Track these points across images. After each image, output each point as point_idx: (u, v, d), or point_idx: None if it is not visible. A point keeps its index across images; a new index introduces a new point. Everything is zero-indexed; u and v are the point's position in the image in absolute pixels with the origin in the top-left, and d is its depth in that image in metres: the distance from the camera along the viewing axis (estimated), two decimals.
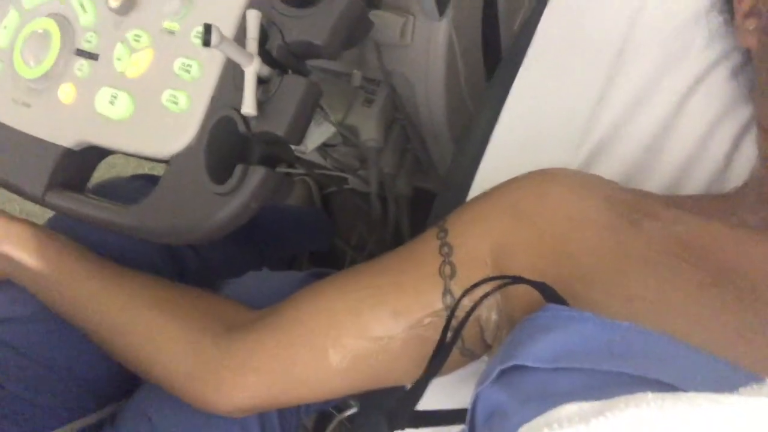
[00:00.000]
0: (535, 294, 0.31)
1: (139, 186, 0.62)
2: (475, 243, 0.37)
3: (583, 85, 0.48)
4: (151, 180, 0.65)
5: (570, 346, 0.26)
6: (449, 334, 0.35)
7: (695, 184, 0.45)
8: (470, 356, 0.39)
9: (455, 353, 0.38)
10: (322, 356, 0.39)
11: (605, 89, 0.46)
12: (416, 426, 0.36)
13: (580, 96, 0.48)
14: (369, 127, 0.72)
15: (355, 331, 0.39)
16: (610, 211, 0.34)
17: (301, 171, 1.16)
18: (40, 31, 0.52)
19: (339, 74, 0.74)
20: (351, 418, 0.90)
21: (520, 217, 0.36)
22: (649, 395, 0.22)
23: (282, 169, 1.13)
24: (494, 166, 0.49)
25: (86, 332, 0.49)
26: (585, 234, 0.34)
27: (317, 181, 1.15)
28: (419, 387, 0.32)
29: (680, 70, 0.46)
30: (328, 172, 1.04)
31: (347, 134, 0.71)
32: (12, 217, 0.53)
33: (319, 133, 0.66)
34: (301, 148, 0.62)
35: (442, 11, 0.57)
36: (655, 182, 0.44)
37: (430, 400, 0.38)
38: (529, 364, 0.27)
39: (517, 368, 0.27)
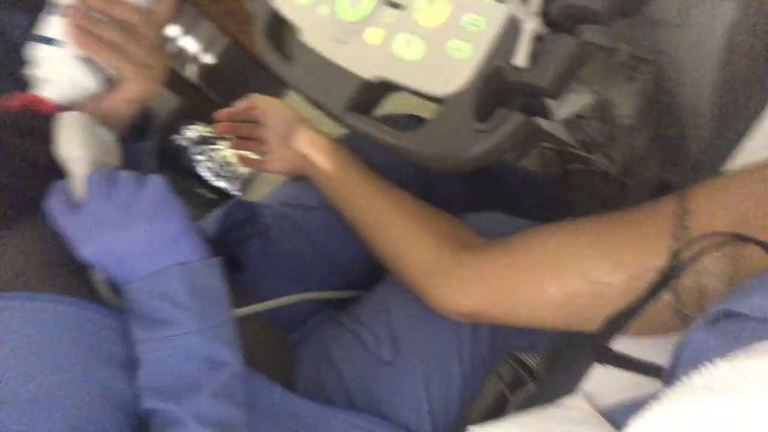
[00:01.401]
0: None
1: (410, 121, 0.74)
2: (716, 212, 0.38)
3: None
4: (417, 119, 0.76)
5: None
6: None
7: None
8: (683, 321, 0.41)
9: (669, 313, 0.40)
10: (541, 285, 0.45)
11: None
12: (616, 365, 0.39)
13: None
14: (625, 104, 0.72)
15: (576, 270, 0.43)
16: None
17: (548, 145, 1.19)
18: None
19: (606, 49, 0.75)
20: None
21: None
22: None
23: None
24: (753, 154, 0.47)
25: (353, 225, 0.61)
26: None
27: (560, 156, 1.17)
28: (626, 315, 0.35)
29: None
30: (572, 149, 1.06)
31: (603, 105, 0.73)
32: (316, 129, 0.68)
33: (575, 100, 0.69)
34: (555, 113, 0.67)
35: None
36: None
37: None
38: (744, 311, 0.29)
39: (731, 316, 0.29)
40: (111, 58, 0.53)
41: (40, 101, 0.53)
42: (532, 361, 0.94)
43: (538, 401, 0.45)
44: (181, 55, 1.92)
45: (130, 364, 0.47)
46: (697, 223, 0.38)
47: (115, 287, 0.49)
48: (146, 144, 0.60)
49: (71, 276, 0.48)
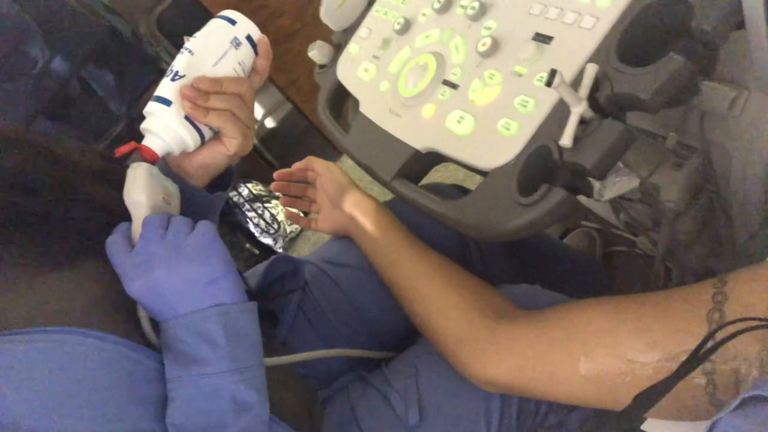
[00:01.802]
0: None
1: (454, 191, 0.77)
2: (753, 299, 0.38)
3: None
4: (462, 189, 0.79)
5: None
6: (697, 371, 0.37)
7: None
8: (716, 405, 0.40)
9: (703, 399, 0.40)
10: (574, 360, 0.45)
11: None
12: None
13: None
14: (672, 189, 0.73)
15: (610, 346, 0.43)
16: None
17: (592, 225, 1.19)
18: (422, 63, 0.69)
19: (655, 135, 0.77)
20: None
21: None
22: None
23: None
24: None
25: (391, 287, 0.63)
26: None
27: (603, 237, 1.17)
28: (655, 393, 0.35)
29: None
30: (616, 231, 1.06)
31: (648, 190, 0.74)
32: (365, 193, 0.72)
33: (621, 183, 0.71)
34: (601, 192, 0.68)
35: None
36: None
37: None
38: None
39: (760, 400, 0.30)
40: (219, 122, 0.59)
41: (146, 149, 0.59)
42: None
43: None
44: None
45: (162, 404, 0.48)
46: (732, 309, 0.39)
47: (156, 327, 0.52)
48: (222, 195, 0.66)
49: (120, 316, 0.51)
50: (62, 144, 0.57)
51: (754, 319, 0.34)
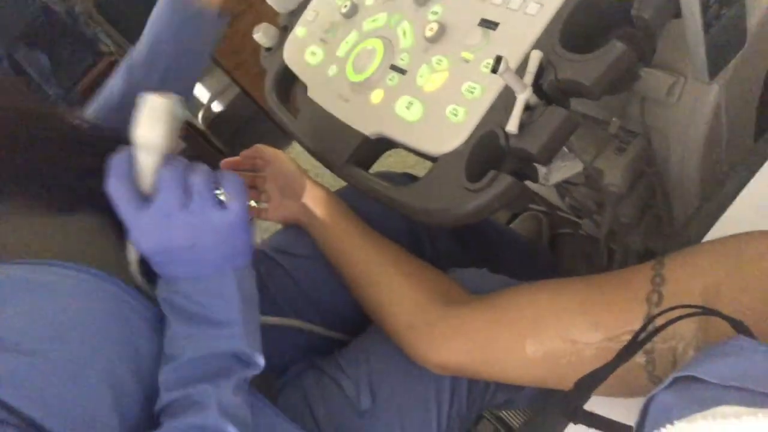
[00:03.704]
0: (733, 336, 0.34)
1: (405, 179, 0.77)
2: (689, 280, 0.40)
3: None
4: (412, 177, 0.79)
5: (747, 371, 0.29)
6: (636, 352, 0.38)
7: None
8: (656, 384, 0.42)
9: (643, 376, 0.42)
10: (520, 343, 0.46)
11: None
12: (588, 424, 0.40)
13: None
14: (614, 173, 0.75)
15: (555, 330, 0.45)
16: None
17: (539, 208, 1.22)
18: (369, 48, 0.68)
19: (598, 121, 0.79)
20: None
21: (743, 265, 0.38)
22: None
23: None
24: (733, 224, 0.50)
25: (343, 275, 0.63)
26: None
27: (550, 220, 1.20)
28: (600, 374, 0.36)
29: None
30: (562, 214, 1.09)
31: (592, 174, 0.76)
32: (315, 181, 0.71)
33: (566, 168, 0.72)
34: (546, 177, 0.70)
35: (713, 74, 0.59)
36: None
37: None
38: (704, 377, 0.30)
39: (691, 380, 0.31)
40: None
41: None
42: (513, 420, 0.94)
43: None
44: (192, 100, 1.98)
45: (149, 359, 0.47)
46: (671, 290, 0.40)
47: (149, 276, 0.50)
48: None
49: (118, 260, 0.50)
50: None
51: (692, 306, 0.36)
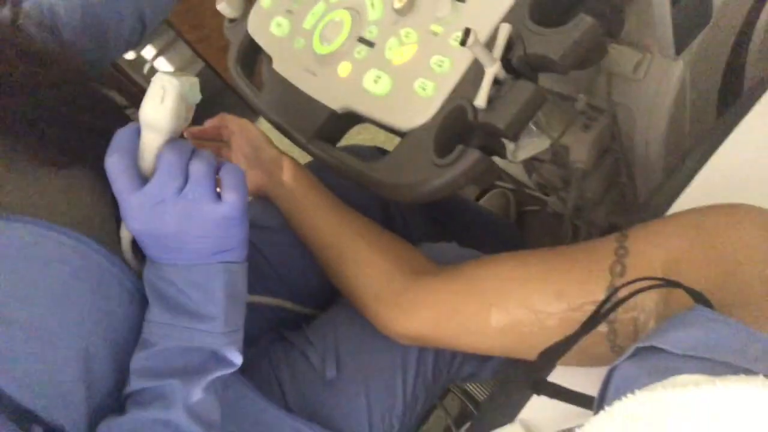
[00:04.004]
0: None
1: (373, 152, 0.76)
2: (651, 251, 0.41)
3: None
4: (381, 151, 0.79)
5: (706, 341, 0.30)
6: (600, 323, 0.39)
7: None
8: (618, 353, 0.43)
9: (605, 346, 0.43)
10: (485, 312, 0.46)
11: None
12: (551, 395, 0.41)
13: None
14: (580, 150, 0.76)
15: (519, 299, 0.45)
16: None
17: (506, 185, 1.23)
18: (337, 19, 0.67)
19: (565, 97, 0.79)
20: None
21: (702, 236, 0.39)
22: (761, 377, 0.25)
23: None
24: (694, 198, 0.51)
25: (311, 247, 0.62)
26: (758, 266, 0.36)
27: (517, 197, 1.21)
28: (563, 346, 0.37)
29: None
30: (529, 191, 1.10)
31: (559, 151, 0.77)
32: (282, 151, 0.69)
33: (533, 144, 0.72)
34: (514, 153, 0.70)
35: (680, 50, 0.60)
36: None
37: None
38: (665, 347, 0.31)
39: (652, 350, 0.32)
40: None
41: None
42: (480, 394, 0.96)
43: (476, 428, 0.47)
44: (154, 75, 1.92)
45: (127, 334, 0.46)
46: (633, 261, 0.41)
47: (141, 252, 0.49)
48: None
49: (107, 228, 0.48)
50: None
51: (654, 279, 0.36)
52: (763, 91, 0.51)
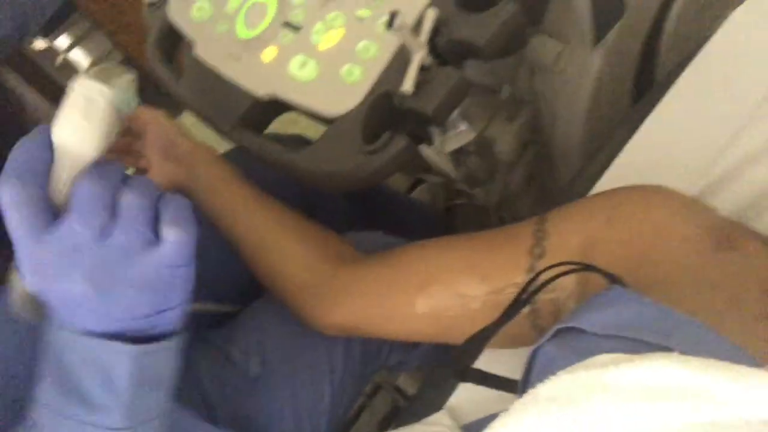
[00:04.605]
0: None
1: (297, 141, 0.74)
2: (569, 234, 0.42)
3: (722, 120, 0.51)
4: (305, 140, 0.77)
5: (623, 320, 0.31)
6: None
7: None
8: (540, 333, 0.44)
9: (527, 326, 0.43)
10: (411, 299, 0.46)
11: (742, 128, 0.49)
12: (476, 382, 0.41)
13: (716, 130, 0.50)
14: (505, 141, 0.78)
15: (443, 284, 0.45)
16: (701, 232, 0.37)
17: (436, 179, 1.24)
18: (262, 2, 0.65)
19: (488, 87, 0.80)
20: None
21: (617, 218, 0.40)
22: (676, 353, 0.26)
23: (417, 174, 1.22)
24: (613, 183, 0.52)
25: (231, 240, 0.60)
26: (672, 246, 0.37)
27: (445, 192, 1.22)
28: (486, 332, 0.37)
29: None
30: (457, 185, 1.11)
31: (484, 142, 0.78)
32: (198, 142, 0.66)
33: (460, 136, 0.73)
34: (442, 145, 0.70)
35: (597, 40, 0.62)
36: (763, 226, 0.45)
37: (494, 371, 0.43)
38: (584, 327, 0.31)
39: (572, 331, 0.32)
40: None
41: None
42: (410, 388, 0.96)
43: (406, 419, 0.46)
44: (68, 68, 1.81)
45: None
46: (552, 243, 0.42)
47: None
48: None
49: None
50: None
51: (571, 263, 0.37)
52: (675, 79, 0.54)
